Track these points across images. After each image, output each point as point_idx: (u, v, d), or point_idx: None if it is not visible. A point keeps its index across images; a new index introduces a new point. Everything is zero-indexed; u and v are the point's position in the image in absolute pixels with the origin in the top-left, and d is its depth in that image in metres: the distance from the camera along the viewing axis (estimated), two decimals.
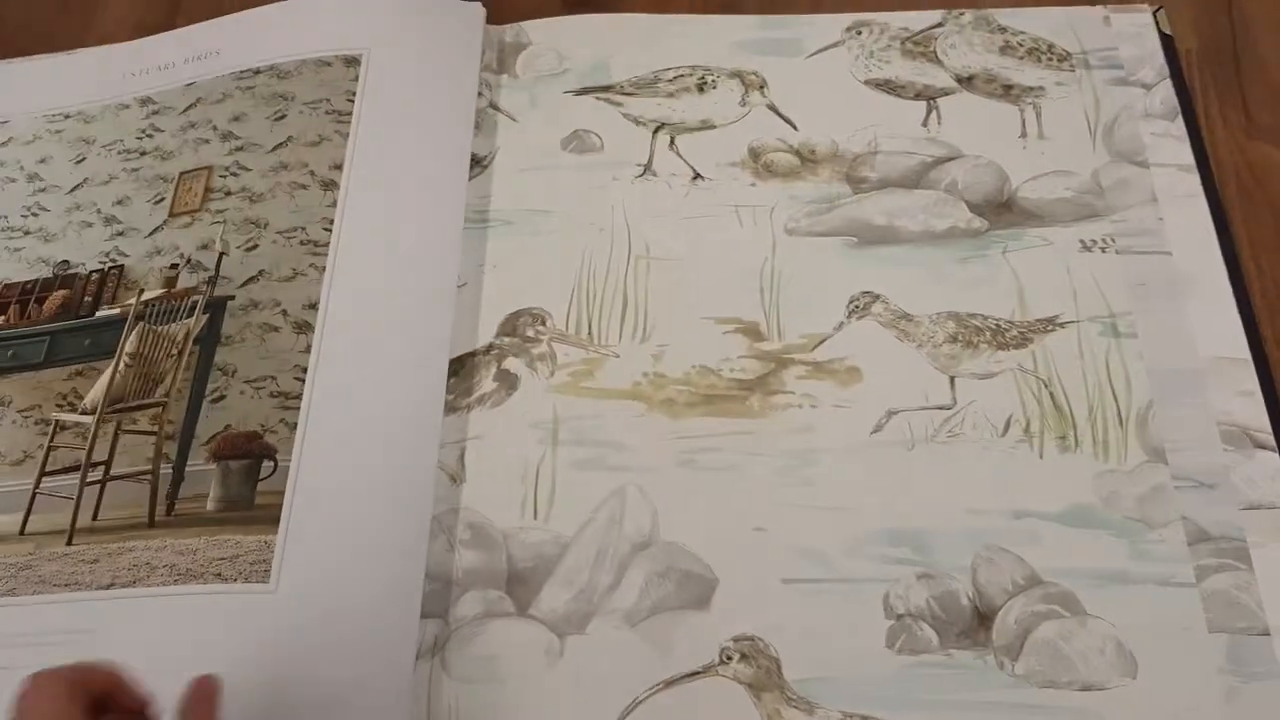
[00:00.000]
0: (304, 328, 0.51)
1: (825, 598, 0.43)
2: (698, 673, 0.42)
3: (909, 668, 0.42)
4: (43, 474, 0.51)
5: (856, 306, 0.50)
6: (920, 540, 0.44)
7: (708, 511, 0.46)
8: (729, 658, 0.43)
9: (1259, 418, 0.45)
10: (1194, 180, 0.51)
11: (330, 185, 0.55)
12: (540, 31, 0.60)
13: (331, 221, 0.53)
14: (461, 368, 0.50)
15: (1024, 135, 0.54)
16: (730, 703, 0.42)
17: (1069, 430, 0.46)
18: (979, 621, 0.42)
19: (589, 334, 0.51)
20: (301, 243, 0.53)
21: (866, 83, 0.56)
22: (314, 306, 0.51)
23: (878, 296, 0.50)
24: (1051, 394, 0.47)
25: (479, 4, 0.60)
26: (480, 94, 0.57)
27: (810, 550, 0.44)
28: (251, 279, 0.53)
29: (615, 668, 0.43)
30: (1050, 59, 0.55)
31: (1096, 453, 0.45)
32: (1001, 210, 0.52)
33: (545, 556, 0.45)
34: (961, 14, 0.58)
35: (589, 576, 0.45)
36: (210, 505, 0.48)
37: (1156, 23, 0.57)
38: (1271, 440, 0.45)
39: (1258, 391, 0.46)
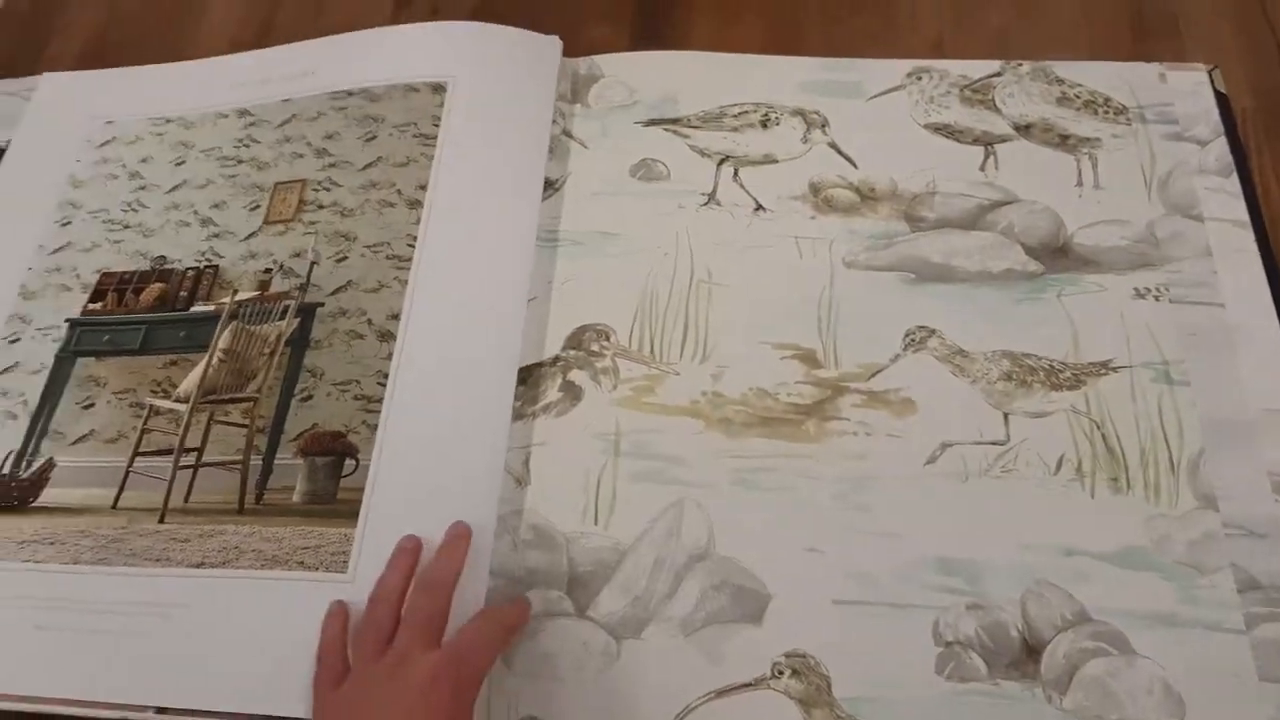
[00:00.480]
0: (387, 336, 0.52)
1: (876, 620, 0.44)
2: (750, 685, 0.43)
3: (957, 694, 0.42)
4: (136, 453, 0.52)
5: (913, 340, 0.49)
6: (971, 571, 0.44)
7: (763, 529, 0.46)
8: (780, 672, 0.42)
9: None
10: (1248, 236, 0.51)
11: (415, 204, 0.55)
12: (612, 65, 0.61)
13: (415, 238, 0.55)
14: (529, 377, 0.51)
15: (1080, 184, 0.54)
16: (780, 716, 0.42)
17: (1120, 472, 0.46)
18: (1027, 654, 0.42)
19: (651, 351, 0.51)
20: (387, 257, 0.54)
21: (926, 126, 0.57)
22: (396, 317, 0.52)
23: (934, 331, 0.50)
24: (1104, 436, 0.47)
25: (555, 38, 0.62)
26: (555, 122, 0.59)
27: (862, 573, 0.45)
28: (340, 288, 0.54)
29: (668, 673, 0.44)
30: (1107, 112, 0.56)
31: (1148, 496, 0.45)
32: (1057, 255, 0.52)
33: (604, 562, 0.46)
34: (1020, 65, 0.58)
35: (646, 584, 0.46)
36: (296, 497, 0.50)
37: (1212, 81, 0.57)
38: None
39: None
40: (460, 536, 0.44)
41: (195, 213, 0.59)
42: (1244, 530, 0.43)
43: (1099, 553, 0.43)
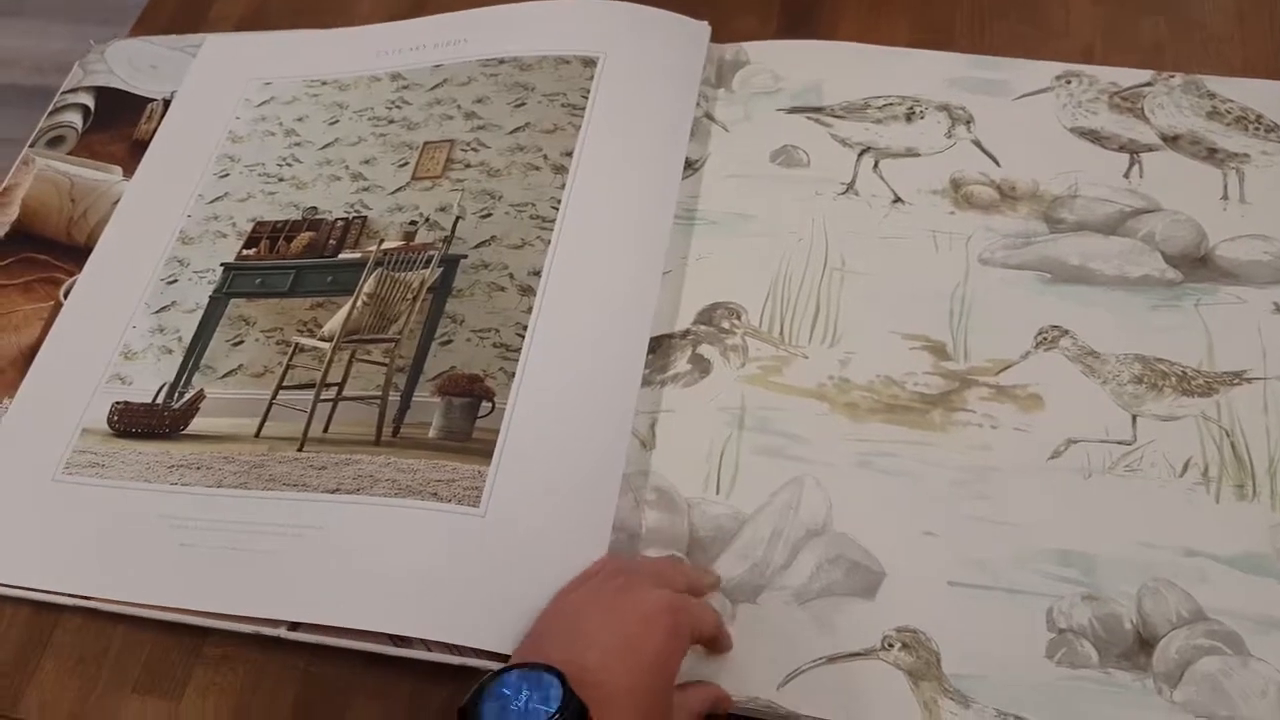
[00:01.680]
0: (527, 291, 0.57)
1: (989, 604, 0.46)
2: (859, 654, 0.46)
3: (1066, 679, 0.44)
4: (280, 386, 0.58)
5: (1045, 338, 0.53)
6: (1088, 564, 0.47)
7: (880, 510, 0.49)
8: (891, 645, 0.46)
9: None
10: None
11: (560, 169, 0.61)
12: (759, 52, 0.65)
13: (559, 201, 0.60)
14: (659, 347, 0.56)
15: (1225, 197, 0.56)
16: (888, 686, 0.45)
17: (1247, 480, 0.48)
18: (1140, 646, 0.45)
19: (780, 333, 0.55)
20: (531, 217, 0.60)
21: (1072, 130, 0.60)
22: (537, 274, 0.57)
23: (1066, 331, 0.53)
24: (1233, 444, 0.49)
25: (705, 23, 0.66)
26: (699, 104, 0.63)
27: (978, 559, 0.47)
28: (484, 243, 0.60)
29: (781, 638, 0.47)
30: (1258, 129, 0.58)
31: (1274, 505, 0.47)
32: (1197, 265, 0.54)
33: (724, 529, 0.50)
34: (1172, 77, 0.60)
35: (763, 553, 0.49)
36: (432, 433, 0.55)
37: None
38: None
39: None
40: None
41: (346, 167, 0.65)
42: None
43: (1220, 555, 0.46)
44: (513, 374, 0.54)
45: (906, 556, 0.48)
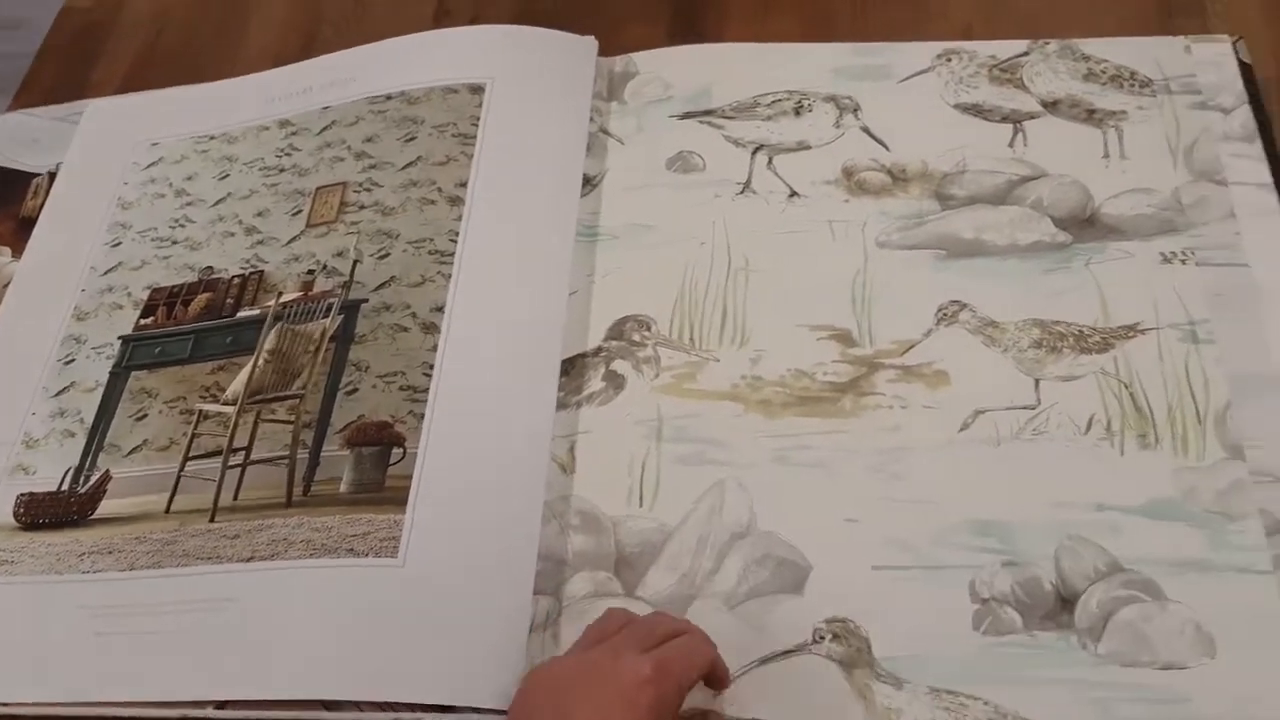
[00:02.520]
0: (431, 329, 0.59)
1: (913, 583, 0.48)
2: (792, 650, 0.48)
3: (994, 647, 0.46)
4: (187, 458, 0.59)
5: (945, 314, 0.55)
6: (1006, 531, 0.49)
7: (802, 504, 0.51)
8: (822, 637, 0.48)
9: None
10: (1271, 198, 0.56)
11: (456, 201, 0.63)
12: (647, 61, 0.68)
13: (457, 234, 0.61)
14: (572, 368, 0.57)
15: (1106, 156, 0.60)
16: (823, 679, 0.47)
17: (1149, 429, 0.51)
18: (1061, 605, 0.47)
19: (691, 339, 0.57)
20: (430, 253, 0.62)
21: (956, 106, 0.63)
22: (440, 310, 0.59)
23: (965, 305, 0.55)
24: (1132, 395, 0.52)
25: (591, 38, 0.69)
26: (592, 119, 0.65)
27: (899, 540, 0.50)
28: (383, 284, 0.62)
29: (715, 645, 0.49)
30: (1132, 85, 0.61)
31: (1176, 450, 0.50)
32: (1085, 225, 0.57)
33: (650, 543, 0.52)
34: (1047, 44, 0.64)
35: (691, 562, 0.51)
36: (344, 487, 0.56)
37: (1236, 52, 0.62)
38: None
39: None
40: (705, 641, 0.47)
41: (240, 222, 0.66)
42: (1271, 477, 0.48)
43: (1129, 506, 0.48)
44: (422, 416, 0.55)
45: (830, 547, 0.50)
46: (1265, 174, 0.57)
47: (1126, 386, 0.52)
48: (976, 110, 0.63)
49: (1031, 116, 0.62)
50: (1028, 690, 0.45)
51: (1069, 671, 0.46)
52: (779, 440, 0.54)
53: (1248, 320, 0.53)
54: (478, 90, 0.67)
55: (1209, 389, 0.52)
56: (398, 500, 0.54)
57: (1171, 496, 0.49)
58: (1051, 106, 0.62)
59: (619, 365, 0.58)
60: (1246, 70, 0.62)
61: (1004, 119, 0.62)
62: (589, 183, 0.64)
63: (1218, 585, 0.47)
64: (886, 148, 0.62)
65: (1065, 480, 0.50)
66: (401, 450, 0.56)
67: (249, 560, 0.53)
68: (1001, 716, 0.45)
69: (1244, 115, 0.60)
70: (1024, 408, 0.52)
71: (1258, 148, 0.59)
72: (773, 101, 0.65)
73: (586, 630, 0.46)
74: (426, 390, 0.57)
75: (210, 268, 0.66)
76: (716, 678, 0.46)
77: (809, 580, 0.50)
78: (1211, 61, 0.62)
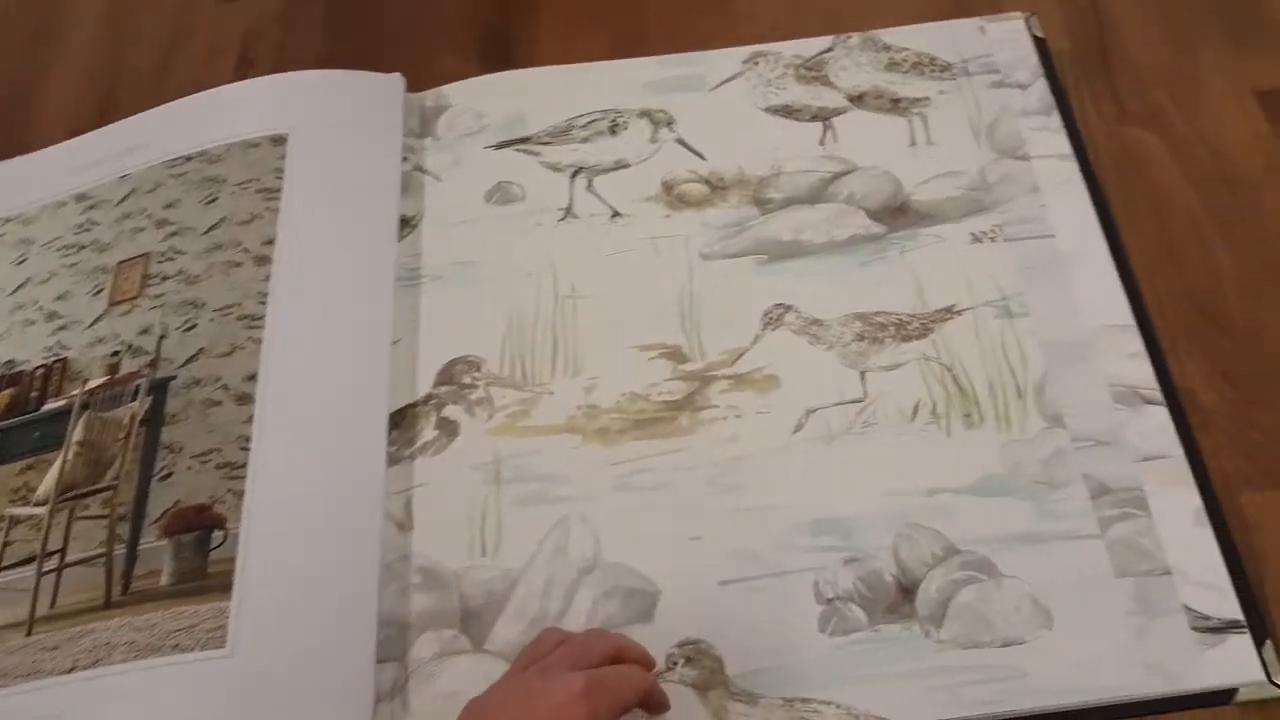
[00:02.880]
0: (245, 400, 0.56)
1: (760, 594, 0.48)
2: None
3: (841, 648, 0.46)
4: None
5: (770, 319, 0.56)
6: (844, 527, 0.49)
7: (646, 529, 0.51)
8: (675, 663, 0.48)
9: (1146, 377, 0.52)
10: (1072, 168, 0.59)
11: (264, 260, 0.61)
12: (459, 93, 0.67)
13: (266, 295, 0.60)
14: (403, 419, 0.56)
15: (913, 143, 0.61)
16: (679, 706, 0.46)
17: (972, 408, 0.52)
18: (903, 595, 0.48)
19: (522, 375, 0.56)
20: (239, 318, 0.59)
21: (766, 109, 0.64)
22: (253, 378, 0.57)
23: (790, 307, 0.56)
24: (954, 376, 0.53)
25: (398, 75, 0.68)
26: (405, 158, 0.64)
27: (743, 550, 0.49)
28: (191, 358, 0.59)
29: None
30: (933, 70, 0.63)
31: (999, 426, 0.51)
32: (897, 214, 0.59)
33: (496, 592, 0.50)
34: (849, 38, 0.65)
35: (540, 605, 0.50)
36: (164, 580, 0.53)
37: (1029, 28, 0.65)
38: (1159, 396, 0.51)
39: (1144, 353, 0.52)
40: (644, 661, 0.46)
41: (40, 308, 0.63)
42: (1091, 441, 0.50)
43: (960, 487, 0.49)
44: (242, 493, 0.53)
45: (677, 568, 0.50)
46: (1065, 145, 0.60)
47: (948, 369, 0.54)
48: (787, 111, 0.64)
49: (839, 112, 0.63)
50: (878, 687, 0.46)
51: (915, 662, 0.46)
52: (619, 468, 0.53)
53: (1058, 289, 0.55)
54: (280, 142, 0.66)
55: (1026, 361, 0.53)
56: (222, 586, 0.51)
57: (999, 472, 0.50)
58: (857, 100, 0.64)
59: (451, 411, 0.57)
60: (1041, 45, 0.64)
61: (813, 117, 0.63)
62: (407, 224, 0.63)
63: (1049, 555, 0.48)
64: (703, 158, 0.63)
65: (897, 469, 0.51)
66: (223, 533, 0.53)
67: (70, 671, 0.50)
68: (854, 718, 0.45)
69: (1041, 89, 0.62)
70: (852, 401, 0.53)
71: (1056, 119, 0.61)
72: (588, 123, 0.65)
73: (521, 653, 0.45)
74: (245, 466, 0.55)
75: (11, 361, 0.63)
76: (655, 703, 0.45)
77: (658, 606, 0.49)
78: (1006, 40, 0.65)
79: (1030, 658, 0.46)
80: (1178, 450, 0.50)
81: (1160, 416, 0.51)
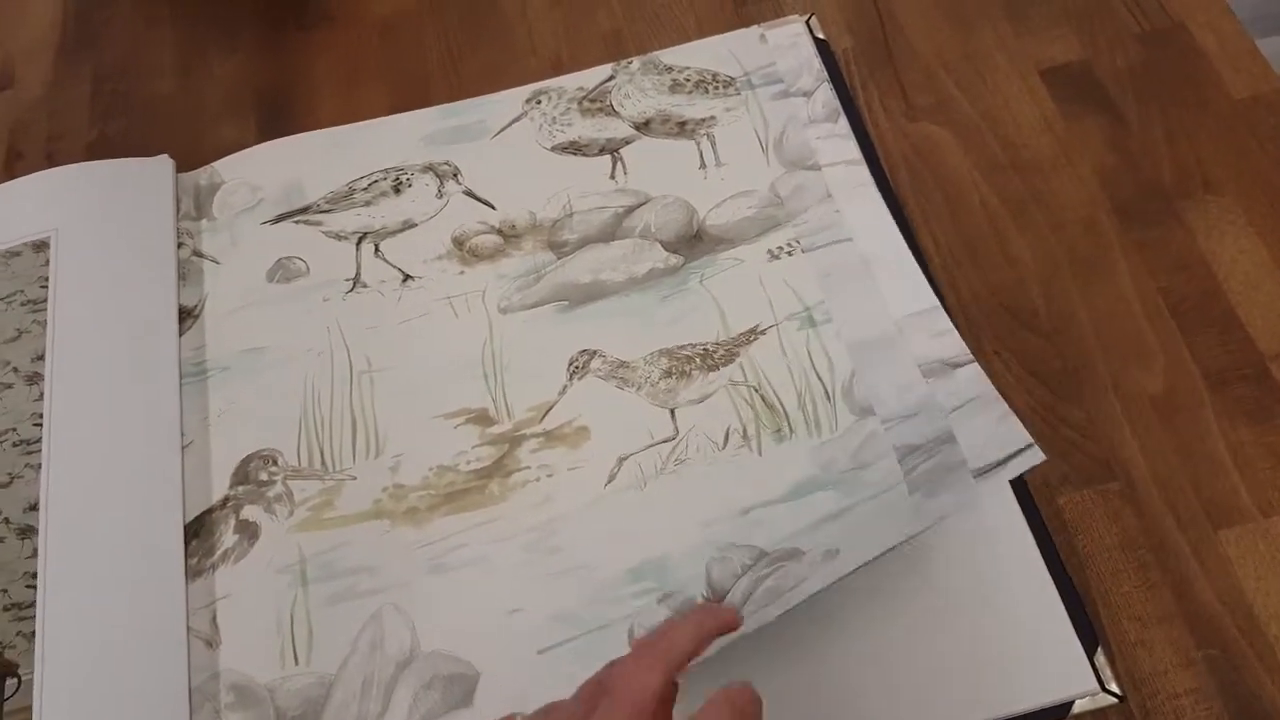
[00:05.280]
0: (27, 532, 0.58)
1: (579, 654, 0.51)
2: None
3: None
4: None
5: (576, 367, 0.59)
6: (660, 568, 0.53)
7: (463, 610, 0.54)
8: None
9: (955, 349, 0.57)
10: (862, 170, 0.63)
11: (35, 379, 0.63)
12: (231, 168, 0.70)
13: (41, 416, 0.62)
14: (201, 528, 0.58)
15: (703, 166, 0.65)
16: None
17: (782, 423, 0.56)
18: None
19: (322, 463, 0.59)
20: (14, 445, 0.61)
21: (553, 149, 0.67)
22: (35, 508, 0.58)
23: (595, 352, 0.60)
24: (762, 396, 0.57)
25: (164, 157, 0.70)
26: (182, 244, 0.67)
27: (563, 613, 0.53)
28: None
29: None
30: (716, 87, 0.67)
31: (810, 432, 0.56)
32: (694, 242, 0.63)
33: (312, 700, 0.53)
34: (630, 62, 0.69)
35: (358, 709, 0.52)
36: None
37: (810, 30, 0.69)
38: (968, 357, 0.57)
39: (952, 330, 0.58)
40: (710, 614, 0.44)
41: None
42: (900, 417, 0.55)
43: (773, 498, 0.54)
44: (32, 635, 0.55)
45: (496, 645, 0.52)
46: (853, 150, 0.64)
47: (756, 390, 0.58)
48: (574, 148, 0.68)
49: (627, 142, 0.67)
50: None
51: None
52: (431, 548, 0.56)
53: (859, 290, 0.60)
54: (42, 247, 0.68)
55: (833, 365, 0.58)
56: None
57: (813, 474, 0.55)
58: (644, 127, 0.68)
59: (249, 511, 0.59)
60: (824, 47, 0.69)
61: (601, 150, 0.67)
62: (189, 315, 0.65)
63: (855, 519, 0.53)
64: (493, 207, 0.66)
65: (711, 499, 0.55)
66: (16, 680, 0.55)
67: None
68: None
69: (825, 94, 0.67)
70: (664, 441, 0.57)
71: (843, 124, 0.65)
72: (369, 184, 0.69)
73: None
74: (33, 605, 0.56)
75: None
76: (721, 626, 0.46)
77: (478, 688, 0.52)
78: (788, 45, 0.69)
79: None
80: (991, 391, 0.56)
81: (970, 371, 0.57)
